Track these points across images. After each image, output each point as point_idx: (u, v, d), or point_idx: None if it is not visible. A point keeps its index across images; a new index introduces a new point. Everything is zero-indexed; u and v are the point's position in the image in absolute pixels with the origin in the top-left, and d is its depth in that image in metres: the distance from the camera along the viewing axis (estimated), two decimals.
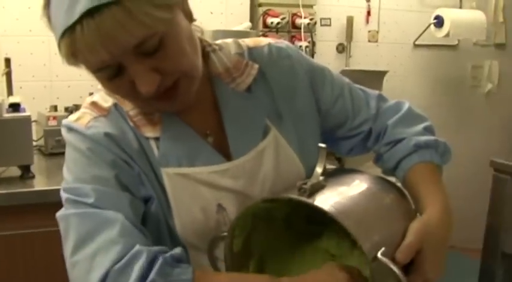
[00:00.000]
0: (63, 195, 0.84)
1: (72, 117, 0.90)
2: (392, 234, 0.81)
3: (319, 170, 0.81)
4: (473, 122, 3.44)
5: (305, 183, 0.78)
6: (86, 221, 0.80)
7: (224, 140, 0.92)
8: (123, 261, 0.74)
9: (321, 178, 0.80)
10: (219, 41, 0.99)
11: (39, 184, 1.74)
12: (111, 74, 0.77)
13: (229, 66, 0.95)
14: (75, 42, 0.72)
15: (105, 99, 0.91)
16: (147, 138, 0.88)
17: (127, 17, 0.71)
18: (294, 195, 0.78)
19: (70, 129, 0.88)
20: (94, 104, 0.91)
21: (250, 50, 0.99)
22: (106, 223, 0.79)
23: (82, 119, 0.88)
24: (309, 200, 0.76)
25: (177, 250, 0.79)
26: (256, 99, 0.95)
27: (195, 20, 0.87)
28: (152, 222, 0.88)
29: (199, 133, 0.91)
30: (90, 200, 0.81)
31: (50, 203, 1.60)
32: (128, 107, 0.89)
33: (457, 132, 3.30)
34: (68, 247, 0.80)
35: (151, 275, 0.73)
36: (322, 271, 0.80)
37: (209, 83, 0.94)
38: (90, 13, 0.70)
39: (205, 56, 0.94)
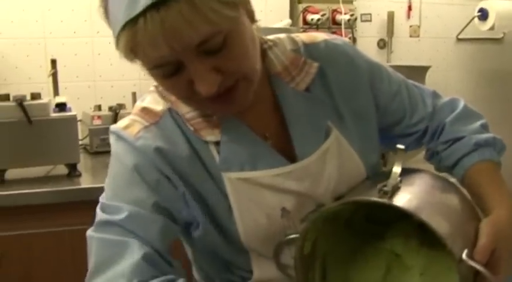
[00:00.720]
0: (98, 214, 0.84)
1: (122, 123, 0.88)
2: (467, 235, 0.80)
3: (398, 170, 0.78)
4: None
5: (385, 185, 0.76)
6: (105, 249, 0.80)
7: (285, 142, 0.89)
8: None
9: (398, 179, 0.78)
10: (272, 37, 0.96)
11: (86, 182, 1.78)
12: (169, 71, 0.74)
13: (286, 64, 0.91)
14: (137, 35, 0.69)
15: (157, 102, 0.88)
16: (206, 143, 0.85)
17: (193, 12, 0.67)
18: (378, 198, 0.75)
19: (119, 137, 0.86)
20: (145, 110, 0.87)
21: (306, 46, 0.95)
22: (123, 254, 0.78)
23: (132, 127, 0.85)
24: (395, 203, 0.74)
25: None
26: (316, 99, 0.92)
27: (256, 21, 0.83)
28: (201, 239, 0.87)
29: (259, 135, 0.88)
30: (121, 216, 0.80)
31: (97, 200, 1.64)
32: (184, 109, 0.86)
33: (503, 127, 3.20)
34: (89, 268, 0.82)
35: None
36: None
37: (268, 82, 0.91)
38: (155, 6, 0.67)
39: (263, 53, 0.90)
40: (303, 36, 0.98)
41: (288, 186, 0.86)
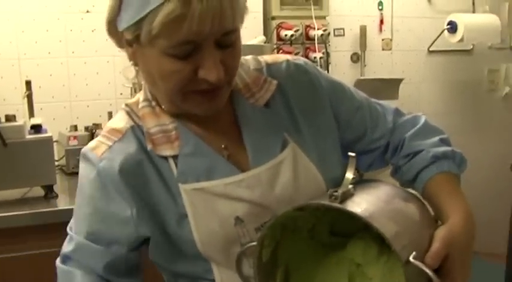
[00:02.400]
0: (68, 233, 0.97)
1: (91, 144, 0.95)
2: (420, 241, 0.82)
3: (349, 177, 0.82)
4: (491, 125, 3.41)
5: (336, 191, 0.79)
6: (61, 279, 0.94)
7: (242, 154, 0.93)
8: None
9: (350, 186, 0.81)
10: None
11: (63, 203, 1.77)
12: (186, 51, 0.81)
13: (248, 82, 0.98)
14: (190, 7, 0.76)
15: (123, 120, 0.95)
16: (165, 158, 0.91)
17: (235, 3, 0.80)
18: (327, 202, 0.79)
19: (85, 158, 0.94)
20: (111, 131, 0.95)
21: (269, 66, 1.01)
22: None
23: (98, 148, 0.93)
24: (342, 206, 0.77)
25: None
26: (274, 114, 0.97)
27: None
28: (155, 253, 0.95)
29: (216, 147, 0.93)
30: (70, 248, 0.94)
31: None
32: (150, 124, 0.92)
33: (476, 136, 3.28)
34: None
35: None
36: None
37: (229, 98, 0.96)
38: None
39: None
40: (267, 57, 1.05)
41: (240, 195, 0.90)
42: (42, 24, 2.33)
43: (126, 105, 0.98)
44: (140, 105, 0.95)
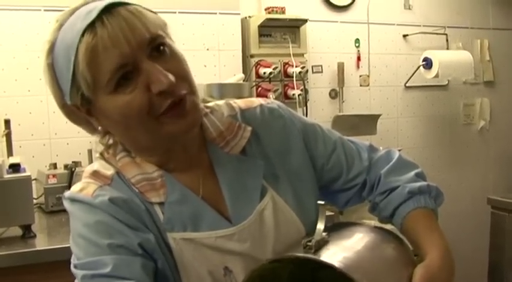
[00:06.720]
0: (78, 272, 0.84)
1: (75, 188, 0.90)
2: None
3: (321, 226, 0.82)
4: (468, 159, 3.47)
5: (310, 241, 0.80)
6: None
7: (222, 203, 0.93)
8: None
9: (324, 234, 0.82)
10: (211, 104, 1.02)
11: (41, 243, 1.75)
12: (127, 74, 0.82)
13: (222, 129, 0.97)
14: (97, 36, 0.80)
15: (106, 167, 0.92)
16: (152, 203, 0.89)
17: (139, 13, 0.83)
18: (301, 254, 0.79)
19: (74, 200, 0.88)
20: (96, 174, 0.91)
21: (243, 112, 1.02)
22: None
23: (87, 189, 0.89)
24: (316, 257, 0.78)
25: None
26: (251, 162, 0.97)
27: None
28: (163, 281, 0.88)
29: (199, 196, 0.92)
30: (107, 270, 0.81)
31: (52, 262, 1.62)
32: (130, 174, 0.91)
33: (453, 169, 3.33)
34: None
35: None
36: None
37: (204, 147, 0.96)
38: (106, 10, 0.81)
39: None
40: (240, 102, 1.05)
41: (231, 247, 0.90)
42: (23, 62, 2.34)
43: (101, 154, 0.95)
44: (118, 157, 0.93)
